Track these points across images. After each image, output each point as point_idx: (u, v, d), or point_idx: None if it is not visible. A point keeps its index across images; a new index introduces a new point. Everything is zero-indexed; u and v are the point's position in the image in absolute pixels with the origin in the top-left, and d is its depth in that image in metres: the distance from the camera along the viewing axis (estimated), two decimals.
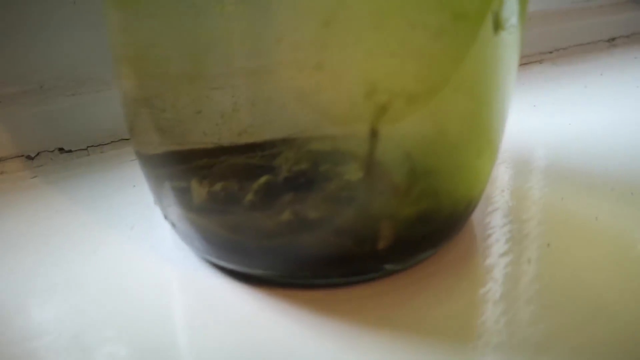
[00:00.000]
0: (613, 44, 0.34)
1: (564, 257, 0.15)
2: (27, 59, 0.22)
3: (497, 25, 0.12)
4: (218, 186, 0.14)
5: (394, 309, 0.14)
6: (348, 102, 0.12)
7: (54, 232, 0.18)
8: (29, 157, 0.22)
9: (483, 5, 0.11)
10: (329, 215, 0.14)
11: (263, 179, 0.14)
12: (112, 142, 0.23)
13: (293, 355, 0.12)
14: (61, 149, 0.22)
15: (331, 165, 0.14)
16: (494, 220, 0.17)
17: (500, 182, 0.19)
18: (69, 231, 0.18)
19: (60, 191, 0.20)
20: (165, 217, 0.16)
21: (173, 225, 0.15)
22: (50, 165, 0.22)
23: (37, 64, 0.22)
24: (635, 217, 0.17)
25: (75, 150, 0.22)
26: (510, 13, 0.13)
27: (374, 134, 0.12)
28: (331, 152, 0.14)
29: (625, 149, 0.21)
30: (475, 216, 0.17)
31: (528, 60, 0.31)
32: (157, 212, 0.17)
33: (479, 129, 0.14)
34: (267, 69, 0.12)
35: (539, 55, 0.32)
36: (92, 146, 0.22)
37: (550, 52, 0.32)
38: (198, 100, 0.13)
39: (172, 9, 0.12)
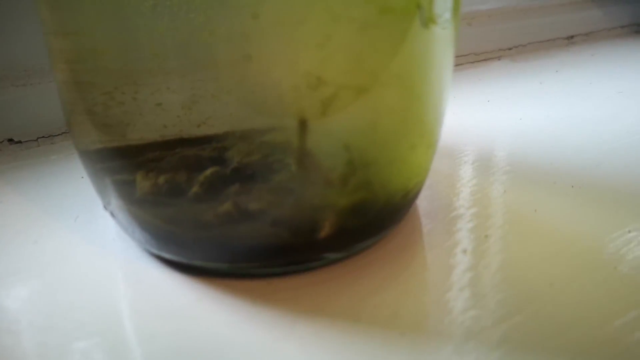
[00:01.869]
0: (572, 41, 0.35)
1: (499, 248, 0.16)
2: None
3: (428, 20, 0.12)
4: (162, 179, 0.14)
5: (331, 297, 0.14)
6: (277, 95, 0.12)
7: (9, 225, 0.17)
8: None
9: (409, 0, 0.12)
10: (267, 206, 0.14)
11: (209, 171, 0.14)
12: (62, 133, 0.22)
13: (229, 344, 0.13)
14: (11, 140, 0.22)
15: (275, 157, 0.14)
16: (436, 211, 0.17)
17: (445, 173, 0.20)
18: (12, 222, 0.17)
19: (7, 182, 0.20)
20: (105, 207, 0.15)
21: (113, 215, 0.15)
22: (0, 156, 0.21)
23: None
24: (572, 210, 0.17)
25: (25, 141, 0.22)
26: (443, 8, 0.13)
27: (302, 127, 0.12)
28: (276, 144, 0.14)
29: (571, 144, 0.22)
30: (421, 206, 0.18)
31: (487, 56, 0.32)
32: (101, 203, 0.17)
33: (412, 122, 0.14)
34: (203, 64, 0.12)
35: (497, 52, 0.32)
36: (42, 137, 0.22)
37: (510, 49, 0.33)
38: (148, 95, 0.13)
39: (102, 3, 0.12)
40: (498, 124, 0.24)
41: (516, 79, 0.29)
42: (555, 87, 0.28)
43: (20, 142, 0.22)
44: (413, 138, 0.14)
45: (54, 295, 0.14)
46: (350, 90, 0.12)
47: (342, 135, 0.13)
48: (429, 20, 0.13)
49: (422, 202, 0.18)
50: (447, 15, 0.13)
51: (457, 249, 0.15)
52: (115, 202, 0.15)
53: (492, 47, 0.32)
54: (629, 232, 0.16)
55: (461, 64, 0.31)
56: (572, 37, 0.35)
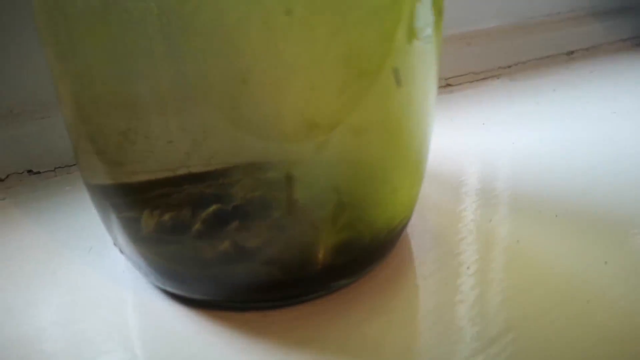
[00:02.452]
0: (572, 57, 0.35)
1: (480, 279, 0.17)
2: None
3: (399, 82, 0.13)
4: (167, 216, 0.15)
5: (320, 329, 0.15)
6: (275, 135, 0.13)
7: (18, 253, 0.19)
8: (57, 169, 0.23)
9: (383, 63, 0.13)
10: (261, 244, 0.15)
11: (212, 208, 0.15)
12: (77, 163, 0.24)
13: None
14: (30, 171, 0.23)
15: (274, 194, 0.15)
16: (424, 241, 0.18)
17: (434, 201, 0.21)
18: (32, 253, 0.19)
19: (27, 212, 0.21)
20: (114, 243, 0.17)
21: (121, 251, 0.17)
22: (19, 186, 0.23)
23: (5, 90, 0.23)
24: (553, 241, 0.18)
25: (44, 172, 0.24)
26: (414, 71, 0.14)
27: (289, 178, 0.13)
28: (275, 181, 0.15)
29: (560, 170, 0.23)
30: (411, 234, 0.19)
31: (486, 75, 0.33)
32: None
33: (396, 165, 0.15)
34: (212, 103, 0.13)
35: (497, 70, 0.33)
36: (59, 167, 0.24)
37: (509, 67, 0.33)
38: (160, 133, 0.14)
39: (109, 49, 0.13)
40: (491, 149, 0.25)
41: (513, 99, 0.30)
42: (551, 108, 0.29)
43: (38, 172, 0.23)
44: (397, 180, 0.15)
45: (70, 323, 0.16)
46: (342, 134, 0.13)
47: (331, 177, 0.14)
48: (398, 82, 0.14)
49: (413, 230, 0.19)
50: (419, 78, 0.14)
51: (442, 280, 0.16)
52: (121, 238, 0.16)
53: (491, 65, 0.33)
54: (605, 263, 0.17)
55: (460, 84, 0.32)
56: (572, 52, 0.36)
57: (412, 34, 0.13)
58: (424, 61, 0.14)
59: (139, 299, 0.17)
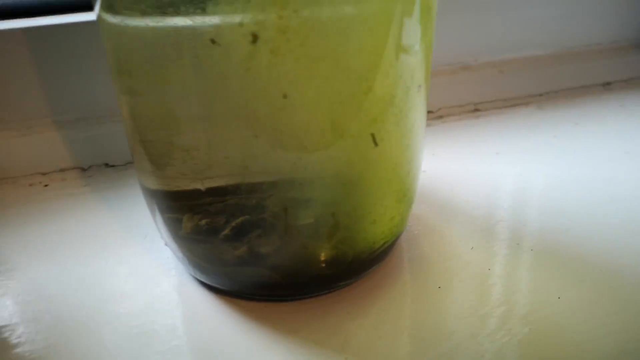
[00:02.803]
0: (608, 88, 0.36)
1: (445, 299, 0.20)
2: (84, 94, 0.28)
3: (376, 144, 0.17)
4: (204, 221, 0.20)
5: (308, 322, 0.19)
6: (307, 158, 0.17)
7: (91, 232, 0.24)
8: (82, 169, 0.29)
9: (362, 126, 0.16)
10: (269, 252, 0.19)
11: (241, 219, 0.19)
12: None
13: (227, 344, 0.18)
14: (107, 164, 0.29)
15: (298, 210, 0.19)
16: (406, 262, 0.22)
17: (428, 223, 0.24)
18: (102, 232, 0.24)
19: (101, 199, 0.27)
20: (161, 236, 0.22)
21: (165, 243, 0.22)
22: (98, 176, 0.29)
23: (90, 97, 0.29)
24: (519, 272, 0.21)
25: (117, 165, 0.29)
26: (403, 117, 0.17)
27: (285, 210, 0.17)
28: (303, 199, 0.19)
29: (552, 206, 0.25)
30: (404, 248, 0.22)
31: (515, 102, 0.35)
32: None
33: (386, 196, 0.19)
34: (263, 126, 0.17)
35: (527, 98, 0.35)
36: (129, 163, 0.29)
37: (540, 95, 0.35)
38: (219, 150, 0.18)
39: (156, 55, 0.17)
40: (495, 178, 0.27)
41: (533, 129, 0.32)
42: (566, 142, 0.31)
43: (113, 165, 0.29)
44: (388, 205, 0.19)
45: (126, 292, 0.21)
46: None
47: (329, 201, 0.18)
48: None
49: (404, 246, 0.23)
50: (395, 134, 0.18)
51: (411, 297, 0.20)
52: (164, 233, 0.21)
53: (521, 93, 0.35)
54: (559, 298, 0.20)
55: (487, 110, 0.34)
56: (609, 83, 0.37)
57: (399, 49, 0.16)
58: (415, 106, 0.17)
59: (176, 281, 0.21)
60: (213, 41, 0.15)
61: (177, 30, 0.15)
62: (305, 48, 0.14)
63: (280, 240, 0.19)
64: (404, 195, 0.20)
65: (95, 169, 0.29)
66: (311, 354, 0.18)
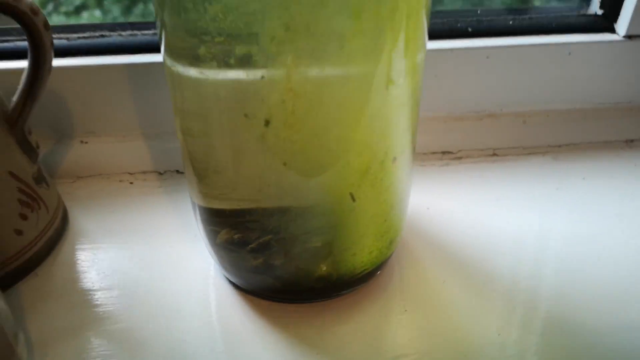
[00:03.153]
0: (631, 145, 0.39)
1: (408, 320, 0.26)
2: (164, 114, 0.36)
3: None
4: (237, 236, 0.26)
5: (302, 322, 0.26)
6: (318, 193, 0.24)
7: (157, 228, 0.32)
8: (159, 173, 0.37)
9: (343, 188, 0.22)
10: (276, 266, 0.26)
11: (267, 237, 0.25)
12: None
13: (239, 332, 0.25)
14: (177, 171, 0.37)
15: (308, 235, 0.25)
16: (387, 286, 0.28)
17: (412, 256, 0.29)
18: (164, 229, 0.32)
19: (170, 199, 0.35)
20: (203, 240, 0.29)
21: (206, 246, 0.29)
22: (170, 180, 0.36)
23: (169, 117, 0.36)
24: (481, 311, 0.26)
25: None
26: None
27: (290, 238, 0.24)
28: (316, 227, 0.25)
29: (528, 256, 0.29)
30: (389, 275, 0.28)
31: (533, 151, 0.38)
32: None
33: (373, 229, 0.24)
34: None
35: (545, 148, 0.38)
36: None
37: (559, 146, 0.39)
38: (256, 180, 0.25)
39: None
40: (486, 222, 0.32)
41: (541, 179, 0.36)
42: (567, 197, 0.34)
43: (182, 173, 0.37)
44: (366, 243, 0.24)
45: (176, 278, 0.28)
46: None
47: (320, 238, 0.24)
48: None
49: (391, 271, 0.28)
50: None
51: (380, 313, 0.26)
52: (204, 239, 0.28)
53: (541, 143, 0.38)
54: (498, 335, 0.25)
55: (505, 155, 0.38)
56: (632, 140, 0.39)
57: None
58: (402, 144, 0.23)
59: (210, 274, 0.29)
60: (246, 115, 0.21)
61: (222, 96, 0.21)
62: (299, 135, 0.20)
63: (285, 258, 0.25)
64: (382, 235, 0.25)
65: (169, 174, 0.37)
66: (293, 344, 0.25)
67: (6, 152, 0.27)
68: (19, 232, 0.27)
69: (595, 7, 0.38)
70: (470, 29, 0.36)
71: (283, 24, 0.18)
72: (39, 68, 0.26)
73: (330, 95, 0.20)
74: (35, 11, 0.25)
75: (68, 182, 0.36)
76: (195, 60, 0.20)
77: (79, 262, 0.30)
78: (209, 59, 0.19)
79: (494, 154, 0.38)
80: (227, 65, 0.19)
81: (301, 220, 0.23)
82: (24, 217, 0.28)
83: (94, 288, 0.28)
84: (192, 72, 0.20)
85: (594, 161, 0.37)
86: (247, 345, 0.25)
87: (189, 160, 0.25)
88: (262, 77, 0.19)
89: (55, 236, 0.30)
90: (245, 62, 0.19)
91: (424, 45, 0.22)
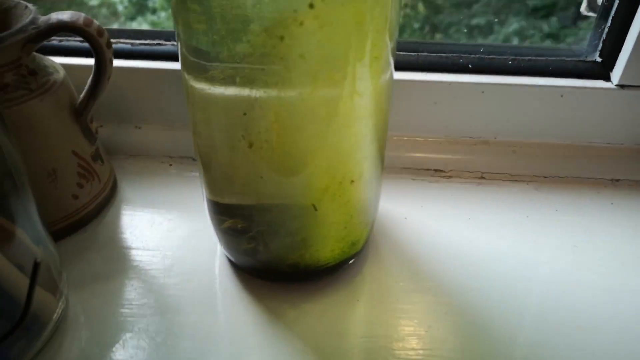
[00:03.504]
0: (616, 184, 0.42)
1: (357, 309, 0.32)
2: None
3: (316, 209, 0.29)
4: (240, 225, 0.33)
5: (273, 296, 0.33)
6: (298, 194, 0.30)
7: (183, 205, 0.40)
8: (193, 159, 0.44)
9: (306, 200, 0.28)
10: (262, 250, 0.32)
11: (263, 228, 0.32)
12: None
13: (226, 291, 0.33)
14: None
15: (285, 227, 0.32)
16: (348, 278, 0.34)
17: (378, 257, 0.35)
18: (194, 209, 0.40)
19: (200, 183, 0.42)
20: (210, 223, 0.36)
21: (212, 228, 0.36)
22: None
23: None
24: (420, 308, 0.32)
25: None
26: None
27: (270, 232, 0.30)
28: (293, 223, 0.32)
29: (482, 274, 0.34)
30: (353, 270, 0.34)
31: (519, 178, 0.42)
32: None
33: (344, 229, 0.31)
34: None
35: (531, 177, 0.42)
36: None
37: (545, 177, 0.42)
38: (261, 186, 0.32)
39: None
40: (453, 237, 0.37)
41: (516, 206, 0.40)
42: (533, 225, 0.38)
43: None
44: (327, 243, 0.31)
45: (191, 253, 0.36)
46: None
47: (292, 234, 0.31)
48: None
49: (356, 267, 0.34)
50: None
51: (337, 301, 0.32)
52: (213, 226, 0.35)
53: (527, 172, 0.42)
54: (428, 327, 0.30)
55: (491, 180, 0.42)
56: (617, 180, 0.42)
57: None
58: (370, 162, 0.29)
59: (216, 252, 0.36)
60: (243, 137, 0.28)
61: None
62: (273, 157, 0.27)
63: (265, 247, 0.32)
64: (342, 239, 0.31)
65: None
66: (264, 311, 0.31)
67: (72, 136, 0.35)
68: (75, 197, 0.36)
69: (596, 55, 0.41)
70: (470, 66, 0.41)
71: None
72: (100, 76, 0.34)
73: (295, 130, 0.26)
74: (100, 33, 0.33)
75: (122, 159, 0.45)
76: (198, 75, 0.26)
77: (119, 224, 0.38)
78: (207, 79, 0.26)
79: (482, 177, 0.43)
80: (221, 88, 0.26)
81: (277, 219, 0.30)
82: (80, 185, 0.36)
83: (128, 246, 0.36)
84: (193, 82, 0.26)
85: (573, 195, 0.41)
86: (232, 306, 0.32)
87: (198, 155, 0.32)
88: (245, 114, 0.25)
89: (104, 202, 0.39)
90: (230, 91, 0.25)
91: (388, 79, 0.28)
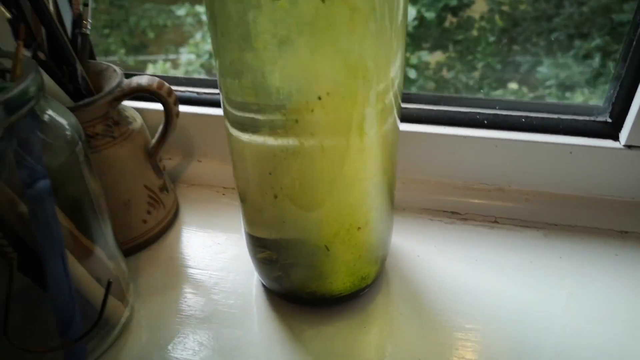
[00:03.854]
0: (624, 236, 0.45)
1: (366, 336, 0.37)
2: None
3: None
4: (274, 256, 0.40)
5: (300, 319, 0.39)
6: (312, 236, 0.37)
7: (236, 230, 0.47)
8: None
9: (320, 243, 0.35)
10: (283, 280, 0.39)
11: (288, 261, 0.39)
12: None
13: (259, 311, 0.39)
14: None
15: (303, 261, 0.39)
16: (360, 309, 0.39)
17: (387, 292, 0.40)
18: (238, 231, 0.47)
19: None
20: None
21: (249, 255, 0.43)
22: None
23: None
24: (417, 339, 0.37)
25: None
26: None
27: (292, 264, 0.37)
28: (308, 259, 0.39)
29: (484, 311, 0.39)
30: (364, 302, 0.40)
31: (530, 224, 0.46)
32: None
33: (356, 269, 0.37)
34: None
35: (541, 224, 0.46)
36: None
37: (555, 225, 0.46)
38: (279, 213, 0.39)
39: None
40: (459, 276, 0.42)
41: (522, 251, 0.44)
42: (535, 270, 0.42)
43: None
44: (339, 277, 0.37)
45: (234, 274, 0.43)
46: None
47: (309, 268, 0.37)
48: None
49: (368, 299, 0.40)
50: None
51: (349, 327, 0.38)
52: (249, 252, 0.42)
53: (538, 219, 0.46)
54: (419, 358, 0.35)
55: (503, 224, 0.46)
56: (626, 232, 0.45)
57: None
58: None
59: (255, 279, 0.43)
60: (270, 188, 0.34)
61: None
62: (291, 210, 0.33)
63: (288, 276, 0.38)
64: (353, 274, 0.37)
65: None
66: (286, 329, 0.38)
67: (144, 173, 0.43)
68: (144, 222, 0.44)
69: (607, 115, 0.44)
70: (485, 121, 0.45)
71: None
72: (168, 126, 0.42)
73: (309, 187, 0.32)
74: (169, 93, 0.41)
75: (184, 187, 0.53)
76: (238, 131, 0.33)
77: (178, 244, 0.46)
78: (244, 138, 0.33)
79: (495, 221, 0.47)
80: (253, 148, 0.33)
81: (297, 254, 0.37)
82: (149, 212, 0.45)
83: (184, 264, 0.44)
84: (233, 131, 0.34)
85: (579, 244, 0.44)
86: (261, 321, 0.39)
87: (238, 192, 0.39)
88: (270, 173, 0.32)
89: (167, 225, 0.47)
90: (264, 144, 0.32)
91: (392, 142, 0.33)
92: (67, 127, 0.31)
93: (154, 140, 0.44)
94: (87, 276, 0.35)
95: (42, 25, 0.37)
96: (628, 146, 0.43)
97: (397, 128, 0.34)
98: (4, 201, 0.28)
